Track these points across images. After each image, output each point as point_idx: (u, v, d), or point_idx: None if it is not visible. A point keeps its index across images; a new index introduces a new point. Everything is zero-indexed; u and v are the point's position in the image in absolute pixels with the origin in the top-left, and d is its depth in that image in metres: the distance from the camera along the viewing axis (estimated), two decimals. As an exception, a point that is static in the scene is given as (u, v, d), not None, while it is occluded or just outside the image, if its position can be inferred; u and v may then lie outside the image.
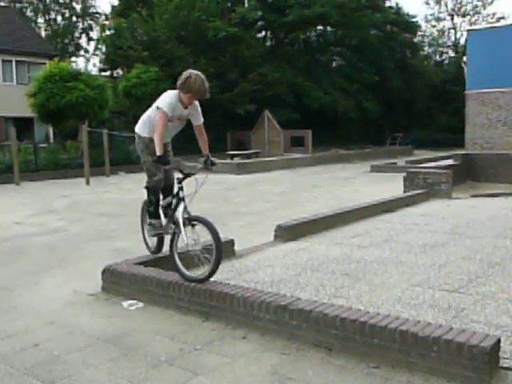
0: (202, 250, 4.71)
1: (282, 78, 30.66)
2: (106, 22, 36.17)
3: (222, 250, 4.62)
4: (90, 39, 44.03)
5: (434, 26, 51.55)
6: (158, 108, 4.86)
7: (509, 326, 4.02)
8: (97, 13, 43.67)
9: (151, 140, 5.02)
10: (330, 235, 7.71)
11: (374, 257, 6.30)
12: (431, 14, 51.62)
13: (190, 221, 4.78)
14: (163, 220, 5.41)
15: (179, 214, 4.81)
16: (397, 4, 40.83)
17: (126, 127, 25.51)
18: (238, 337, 4.11)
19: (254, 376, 3.48)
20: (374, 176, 18.98)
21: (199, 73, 4.93)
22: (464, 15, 50.42)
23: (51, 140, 27.64)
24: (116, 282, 5.21)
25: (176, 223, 4.88)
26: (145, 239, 5.88)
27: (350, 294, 4.90)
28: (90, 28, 43.96)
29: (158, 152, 4.74)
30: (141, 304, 4.90)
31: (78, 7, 43.14)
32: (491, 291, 4.92)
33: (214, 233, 4.54)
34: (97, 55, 36.29)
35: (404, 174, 12.77)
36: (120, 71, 31.80)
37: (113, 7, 35.82)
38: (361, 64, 36.03)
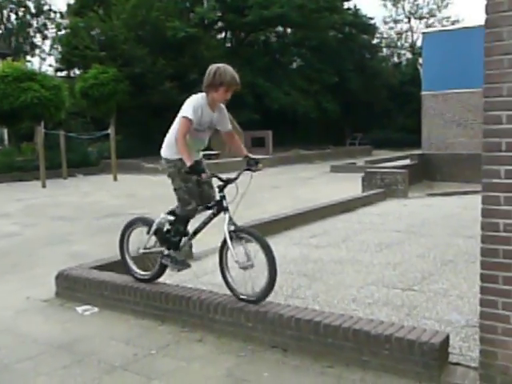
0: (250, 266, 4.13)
1: (242, 79, 29.63)
2: (62, 21, 35.45)
3: (277, 268, 4.02)
4: (44, 38, 43.05)
5: (392, 28, 52.51)
6: (181, 118, 4.24)
7: (459, 321, 4.13)
8: (50, 10, 42.66)
9: (183, 162, 4.22)
10: (289, 235, 7.76)
11: (331, 256, 6.36)
12: (389, 16, 52.61)
13: (238, 234, 4.18)
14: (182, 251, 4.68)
15: (225, 227, 4.15)
16: (355, 6, 41.31)
17: (83, 128, 25.09)
18: (194, 340, 4.09)
19: (210, 379, 3.47)
20: (333, 176, 19.19)
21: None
22: (420, 18, 51.51)
23: (6, 142, 26.92)
24: (70, 287, 5.11)
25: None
26: (127, 264, 4.93)
27: (306, 294, 4.94)
28: (45, 27, 42.99)
29: (188, 161, 4.06)
30: (96, 309, 4.82)
31: (32, 6, 42.09)
32: (443, 288, 5.04)
33: (266, 247, 4.01)
34: (51, 55, 35.46)
35: (362, 174, 12.97)
36: (77, 71, 31.21)
37: (68, 6, 35.10)
38: (320, 65, 36.34)
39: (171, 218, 4.59)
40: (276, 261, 4.02)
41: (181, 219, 4.53)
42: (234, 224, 4.20)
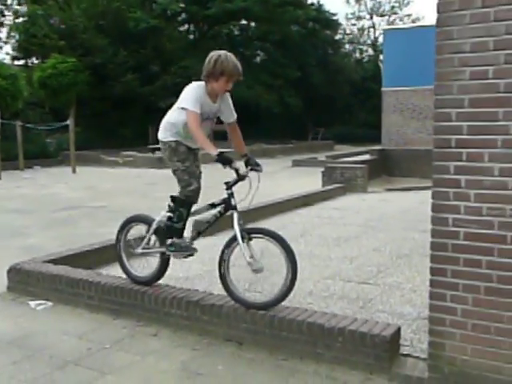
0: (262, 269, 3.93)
1: (205, 72, 30.46)
2: (19, 8, 34.44)
3: (297, 269, 3.81)
4: (0, 25, 41.74)
5: (354, 25, 53.09)
6: (182, 109, 4.00)
7: (411, 314, 4.22)
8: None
9: (178, 143, 4.18)
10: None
11: (289, 250, 6.39)
12: (352, 13, 53.08)
13: (250, 233, 3.93)
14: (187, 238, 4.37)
15: (235, 227, 3.89)
16: (318, 2, 41.63)
17: (42, 119, 24.50)
18: (150, 334, 4.06)
19: (164, 373, 3.45)
20: (295, 170, 19.32)
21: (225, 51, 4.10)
22: (382, 15, 52.20)
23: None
24: (23, 281, 4.99)
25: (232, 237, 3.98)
26: (124, 266, 4.59)
27: (263, 288, 4.95)
28: (1, 14, 41.70)
29: (214, 151, 3.83)
30: (49, 303, 4.73)
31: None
32: (397, 281, 5.14)
33: (286, 247, 3.79)
34: (8, 43, 34.42)
35: (323, 169, 13.09)
36: (35, 60, 30.45)
37: (27, -7, 34.22)
38: (284, 59, 36.47)
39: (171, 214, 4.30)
40: (297, 263, 3.80)
41: (183, 203, 4.23)
42: (241, 224, 3.94)
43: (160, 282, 4.75)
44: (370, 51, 51.59)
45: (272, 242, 3.85)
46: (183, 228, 4.32)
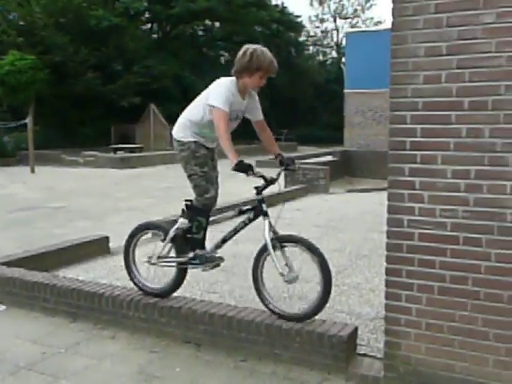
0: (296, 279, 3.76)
1: (168, 72, 30.28)
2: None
3: (332, 281, 3.59)
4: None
5: (318, 27, 53.51)
6: (210, 106, 3.69)
7: (369, 314, 4.28)
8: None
9: (198, 145, 3.90)
10: (210, 230, 7.69)
11: (250, 251, 6.35)
12: (315, 15, 53.53)
13: (282, 242, 3.73)
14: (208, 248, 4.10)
15: (266, 235, 3.68)
16: (282, 3, 41.87)
17: (-1, 117, 23.90)
18: (107, 337, 4.00)
19: (121, 377, 3.40)
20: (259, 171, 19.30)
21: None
22: (345, 18, 52.81)
23: None
24: (-24, 284, 4.85)
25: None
26: (136, 281, 4.27)
27: (223, 289, 4.95)
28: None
29: (234, 159, 3.57)
30: (3, 307, 4.61)
31: None
32: (356, 282, 5.20)
33: (319, 257, 3.57)
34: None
35: (285, 170, 13.14)
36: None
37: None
38: (247, 60, 36.51)
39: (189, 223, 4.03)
40: (331, 275, 3.60)
41: (201, 211, 3.96)
42: (275, 231, 3.73)
43: (119, 284, 4.70)
44: (334, 54, 52.14)
45: (305, 251, 3.65)
46: (204, 238, 4.06)
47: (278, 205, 10.15)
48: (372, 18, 52.08)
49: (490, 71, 2.69)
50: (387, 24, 46.49)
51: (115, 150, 23.72)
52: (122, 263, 5.85)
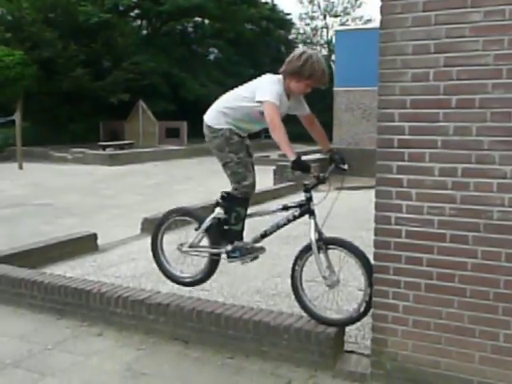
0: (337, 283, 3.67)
1: (158, 68, 30.15)
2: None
3: (373, 286, 3.24)
4: None
5: (308, 25, 53.54)
6: (261, 101, 3.49)
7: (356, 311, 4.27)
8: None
9: (232, 132, 3.73)
10: (198, 228, 7.72)
11: (239, 248, 6.39)
12: (305, 13, 53.52)
13: (327, 244, 3.61)
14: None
15: (311, 235, 3.57)
16: (272, 1, 41.85)
17: (-13, 113, 23.67)
18: (94, 334, 3.97)
19: (108, 374, 3.38)
20: (247, 169, 19.30)
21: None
22: (335, 16, 52.87)
23: None
24: (-39, 281, 4.81)
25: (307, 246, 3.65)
26: (164, 269, 4.19)
27: (212, 287, 4.93)
28: None
29: (292, 155, 3.39)
30: (-11, 304, 4.57)
31: None
32: (345, 279, 5.18)
33: (365, 261, 3.41)
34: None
35: (275, 167, 13.16)
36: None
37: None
38: (237, 57, 36.49)
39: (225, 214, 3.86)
40: (373, 280, 3.31)
41: (240, 200, 3.78)
42: (320, 232, 3.61)
43: (107, 281, 4.68)
44: (324, 51, 52.18)
45: (350, 255, 3.53)
46: (243, 229, 3.87)
47: (267, 202, 10.19)
48: (362, 17, 52.02)
49: (477, 69, 2.71)
50: (377, 22, 46.60)
51: (104, 147, 23.60)
52: (111, 260, 5.87)
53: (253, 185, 3.80)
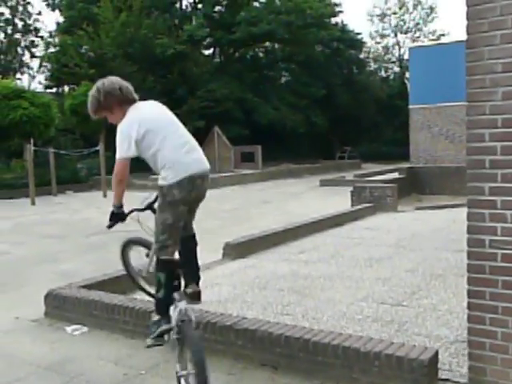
0: None
1: (231, 95, 30.79)
2: (51, 39, 35.51)
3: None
4: (32, 56, 42.98)
5: (379, 43, 52.99)
6: None
7: (448, 337, 4.14)
8: (36, 29, 42.46)
9: None
10: (279, 251, 7.76)
11: (321, 272, 6.37)
12: (376, 31, 53.07)
13: None
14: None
15: None
16: (342, 21, 41.78)
17: (73, 145, 25.01)
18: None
19: (200, 398, 3.44)
20: (323, 190, 19.24)
21: None
22: (406, 32, 52.09)
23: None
24: (59, 306, 5.08)
25: None
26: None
27: (296, 311, 4.93)
28: (33, 44, 42.95)
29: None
30: (85, 328, 4.79)
31: (20, 24, 42.00)
32: (432, 303, 5.05)
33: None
34: (43, 72, 35.43)
35: (352, 188, 13.03)
36: (66, 88, 31.19)
37: (58, 24, 35.24)
38: (308, 79, 36.60)
39: None
40: None
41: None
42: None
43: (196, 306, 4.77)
44: (396, 68, 51.42)
45: None
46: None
47: (346, 224, 10.09)
48: (435, 31, 50.89)
49: None
50: (450, 37, 45.54)
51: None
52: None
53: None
